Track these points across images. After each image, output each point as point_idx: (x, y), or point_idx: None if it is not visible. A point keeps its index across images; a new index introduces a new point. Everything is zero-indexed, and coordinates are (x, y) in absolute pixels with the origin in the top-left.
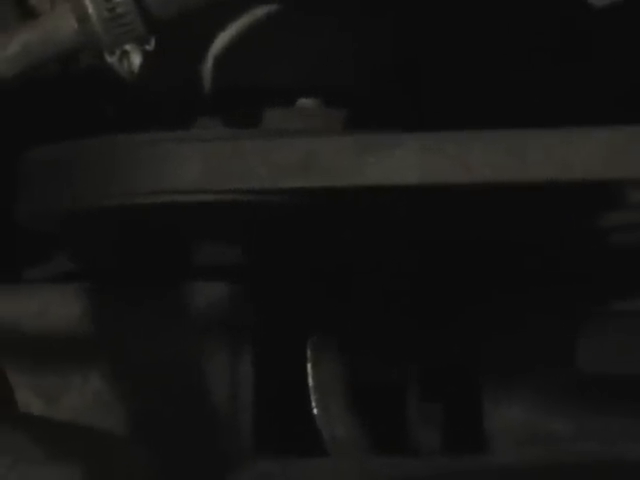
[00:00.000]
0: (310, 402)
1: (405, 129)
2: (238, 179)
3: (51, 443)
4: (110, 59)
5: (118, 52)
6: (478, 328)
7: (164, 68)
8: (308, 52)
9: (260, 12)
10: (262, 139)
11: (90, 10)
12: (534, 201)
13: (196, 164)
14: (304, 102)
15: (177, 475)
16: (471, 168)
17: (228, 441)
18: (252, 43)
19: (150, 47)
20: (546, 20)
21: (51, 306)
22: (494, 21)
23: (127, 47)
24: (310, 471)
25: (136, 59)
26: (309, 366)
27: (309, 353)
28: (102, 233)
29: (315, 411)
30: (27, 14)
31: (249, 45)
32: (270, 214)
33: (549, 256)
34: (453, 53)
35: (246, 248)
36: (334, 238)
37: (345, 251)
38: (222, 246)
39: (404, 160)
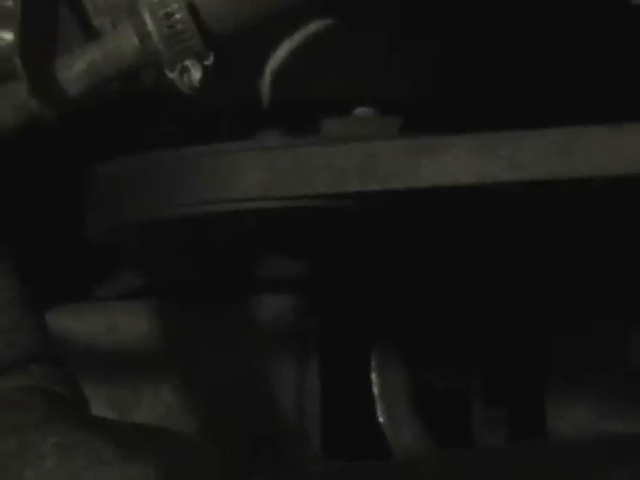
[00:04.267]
0: (375, 409)
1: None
2: (299, 185)
3: (126, 444)
4: (171, 75)
5: (178, 68)
6: (542, 331)
7: (223, 83)
8: (362, 64)
9: (314, 27)
10: (322, 145)
11: (151, 28)
12: (592, 201)
13: (258, 172)
14: (360, 111)
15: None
16: (523, 166)
17: (296, 450)
18: (308, 57)
19: (209, 62)
20: (588, 23)
21: (121, 322)
22: (533, 27)
23: (187, 63)
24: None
25: (196, 74)
26: (374, 374)
27: (373, 361)
28: (170, 246)
29: (381, 418)
30: (89, 34)
31: (305, 59)
32: (330, 220)
33: (608, 260)
34: (497, 62)
35: (308, 258)
36: (393, 243)
37: (405, 256)
38: (285, 257)
39: (458, 160)
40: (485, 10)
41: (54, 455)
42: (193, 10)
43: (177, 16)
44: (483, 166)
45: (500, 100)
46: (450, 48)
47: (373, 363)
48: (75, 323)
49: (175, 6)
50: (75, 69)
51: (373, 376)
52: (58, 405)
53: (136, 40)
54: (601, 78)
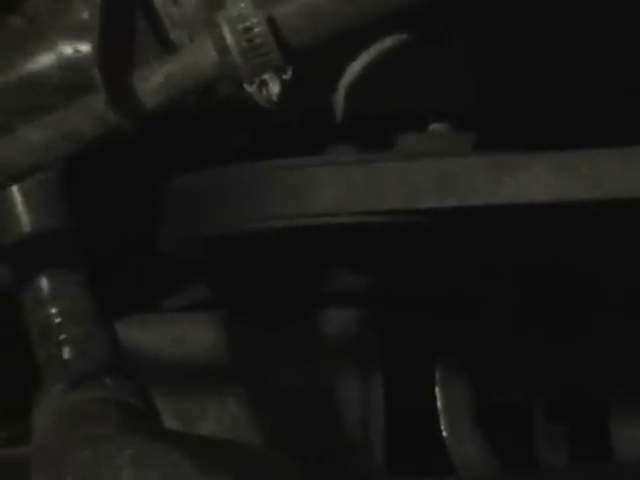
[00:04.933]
0: (439, 424)
1: (529, 150)
2: (373, 201)
3: (202, 457)
4: (249, 89)
5: (257, 82)
6: (605, 346)
7: (299, 96)
8: (437, 79)
9: (390, 42)
10: (397, 161)
11: (229, 41)
12: None
13: (334, 187)
14: (435, 127)
15: None
16: (603, 185)
17: (361, 463)
18: (383, 71)
19: (288, 76)
20: None
21: (188, 334)
22: (611, 41)
23: (266, 77)
24: None
25: (275, 88)
26: (437, 388)
27: (437, 375)
28: (241, 260)
29: (444, 433)
30: (166, 47)
31: (380, 73)
32: (403, 236)
33: None
34: (572, 76)
35: (377, 272)
36: (463, 259)
37: (474, 271)
38: (353, 271)
39: (538, 178)
40: (561, 23)
41: (130, 467)
42: (272, 24)
43: (256, 30)
44: (562, 184)
45: (574, 116)
46: (525, 63)
47: (437, 377)
48: (142, 335)
49: (255, 20)
50: (153, 82)
51: (437, 390)
52: (132, 417)
53: (214, 54)
54: None
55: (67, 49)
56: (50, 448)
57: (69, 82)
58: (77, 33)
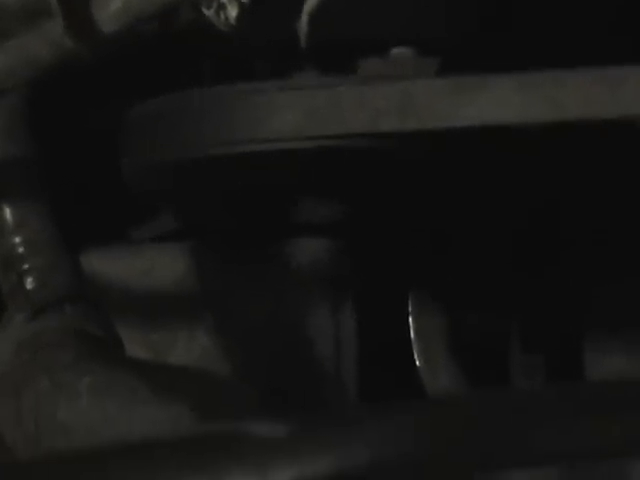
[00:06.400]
0: (413, 354)
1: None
2: (336, 125)
3: (162, 385)
4: (207, 12)
5: (215, 5)
6: (581, 277)
7: (260, 23)
8: (400, 3)
9: None
10: (357, 84)
11: None
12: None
13: (295, 111)
14: (398, 51)
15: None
16: (567, 106)
17: (332, 396)
18: None
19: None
20: None
21: (157, 265)
22: None
23: (223, 0)
24: None
25: (232, 11)
26: (411, 318)
27: (411, 306)
28: (204, 188)
29: (418, 362)
30: None
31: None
32: (366, 162)
33: None
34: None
35: (346, 202)
36: (432, 190)
37: (443, 202)
38: (322, 200)
39: (500, 99)
40: None
41: (88, 395)
42: None
43: None
44: (526, 106)
45: (542, 42)
46: None
47: (410, 308)
48: (110, 266)
49: None
50: (111, 8)
51: (410, 320)
52: (92, 345)
53: None
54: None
55: None
56: (10, 378)
57: (28, 9)
58: None
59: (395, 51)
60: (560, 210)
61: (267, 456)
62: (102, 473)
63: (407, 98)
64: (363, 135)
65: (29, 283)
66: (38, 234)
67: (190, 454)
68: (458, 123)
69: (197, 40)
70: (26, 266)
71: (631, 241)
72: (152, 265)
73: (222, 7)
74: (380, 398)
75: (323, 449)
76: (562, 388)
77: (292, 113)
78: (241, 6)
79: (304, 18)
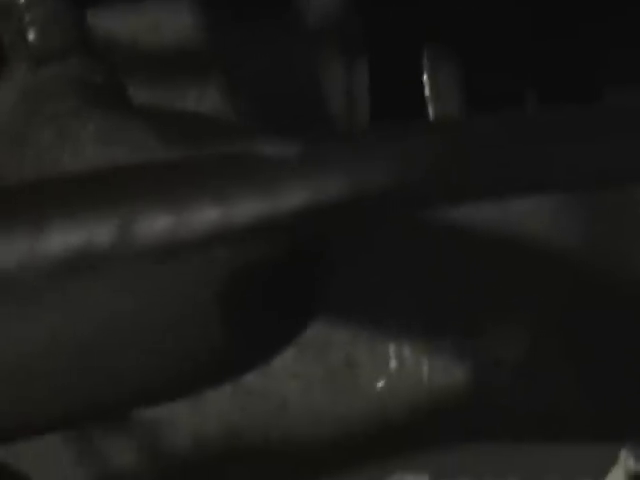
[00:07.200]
0: (426, 112)
1: None
2: None
3: (168, 131)
4: None
5: None
6: (598, 39)
7: None
8: None
9: None
10: None
11: None
12: None
13: None
14: None
15: None
16: None
17: None
18: None
19: None
20: None
21: (163, 20)
22: None
23: None
24: None
25: None
26: (425, 76)
27: (425, 63)
28: None
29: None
30: None
31: None
32: None
33: None
34: None
35: None
36: None
37: None
38: None
39: None
40: None
41: (94, 143)
42: None
43: None
44: None
45: None
46: None
47: (425, 65)
48: (116, 23)
49: None
50: None
51: (424, 78)
52: (98, 94)
53: None
54: None
55: None
56: (13, 127)
57: None
58: None
59: None
60: None
61: (277, 178)
62: (108, 195)
63: None
64: None
65: (31, 34)
66: None
67: (197, 176)
68: None
69: None
70: (28, 17)
71: None
72: (158, 20)
73: None
74: None
75: (336, 171)
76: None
77: None
78: None
79: None
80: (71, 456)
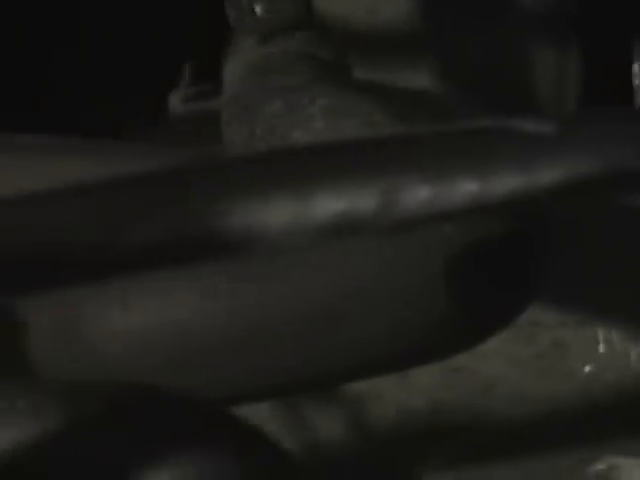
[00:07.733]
0: (635, 100)
1: None
2: None
3: (396, 107)
4: None
5: None
6: None
7: None
8: None
9: None
10: None
11: None
12: None
13: None
14: None
15: None
16: None
17: None
18: None
19: None
20: None
21: (381, 3)
22: None
23: None
24: None
25: None
26: (635, 65)
27: (636, 52)
28: None
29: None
30: None
31: None
32: None
33: None
34: None
35: None
36: None
37: None
38: None
39: None
40: None
41: (322, 116)
42: None
43: None
44: None
45: None
46: None
47: (635, 54)
48: (334, 3)
49: None
50: None
51: (634, 67)
52: (324, 69)
53: None
54: None
55: None
56: (241, 100)
57: None
58: None
59: None
60: None
61: (537, 154)
62: (371, 165)
63: None
64: None
65: (259, 8)
66: None
67: (451, 148)
68: None
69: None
70: None
71: None
72: (377, 3)
73: None
74: None
75: (595, 147)
76: None
77: None
78: None
79: None
80: (278, 424)
